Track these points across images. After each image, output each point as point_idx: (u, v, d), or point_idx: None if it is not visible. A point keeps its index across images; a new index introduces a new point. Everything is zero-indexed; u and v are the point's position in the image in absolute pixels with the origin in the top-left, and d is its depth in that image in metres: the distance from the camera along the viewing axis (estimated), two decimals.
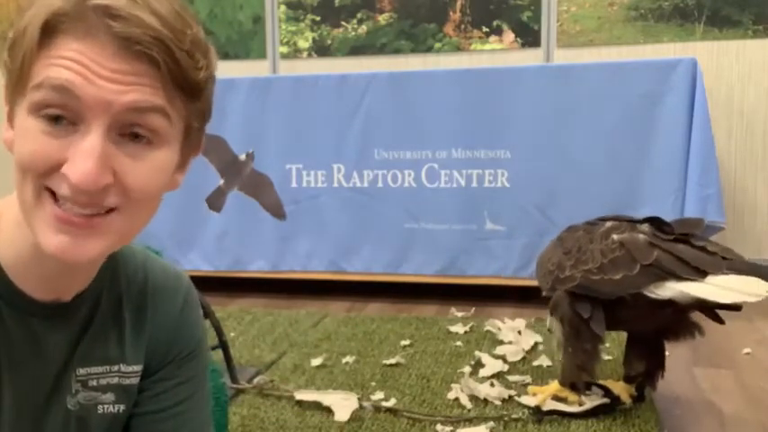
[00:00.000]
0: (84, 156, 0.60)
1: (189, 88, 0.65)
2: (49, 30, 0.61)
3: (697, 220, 1.67)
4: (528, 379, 1.94)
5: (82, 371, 0.76)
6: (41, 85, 0.60)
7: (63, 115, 0.61)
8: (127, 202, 0.64)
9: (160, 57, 0.61)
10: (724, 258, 1.53)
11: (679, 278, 1.53)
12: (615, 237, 1.65)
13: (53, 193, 0.62)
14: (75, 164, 0.60)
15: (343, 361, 2.12)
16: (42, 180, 0.62)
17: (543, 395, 1.75)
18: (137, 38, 0.60)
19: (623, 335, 1.84)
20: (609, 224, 1.71)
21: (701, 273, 1.52)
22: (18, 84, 0.62)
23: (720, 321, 1.64)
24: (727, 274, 1.50)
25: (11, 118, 0.65)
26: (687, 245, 1.58)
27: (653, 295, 1.57)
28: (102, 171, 0.61)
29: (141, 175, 0.64)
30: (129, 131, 0.63)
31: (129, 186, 0.63)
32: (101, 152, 0.60)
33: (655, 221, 1.66)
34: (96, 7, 0.60)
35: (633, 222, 1.69)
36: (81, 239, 0.63)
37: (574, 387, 1.73)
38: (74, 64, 0.60)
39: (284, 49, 3.69)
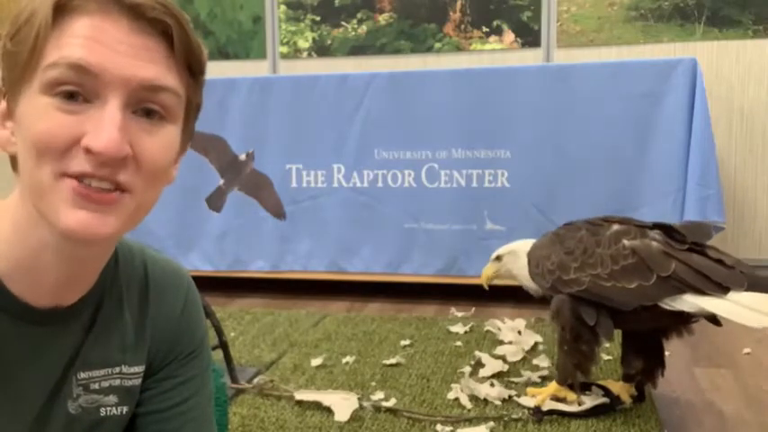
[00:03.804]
0: (106, 124, 0.60)
1: (195, 65, 0.67)
2: (60, 9, 0.61)
3: (706, 228, 1.63)
4: (533, 377, 1.94)
5: (83, 375, 0.75)
6: (56, 64, 0.60)
7: (78, 92, 0.61)
8: (138, 180, 0.64)
9: (173, 25, 0.63)
10: (742, 273, 1.49)
11: (699, 292, 1.50)
12: (626, 242, 1.61)
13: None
14: (98, 133, 0.60)
15: (343, 361, 2.12)
16: (59, 164, 0.61)
17: (542, 395, 1.75)
18: (150, 5, 0.61)
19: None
20: (616, 227, 1.66)
21: (722, 289, 1.48)
22: (25, 68, 0.62)
23: (718, 324, 1.63)
24: (748, 291, 1.46)
25: (8, 113, 0.65)
26: (703, 256, 1.54)
27: (667, 307, 1.54)
28: (123, 140, 0.61)
29: (154, 149, 0.64)
30: (141, 107, 0.64)
31: (143, 159, 0.64)
32: (121, 122, 0.61)
33: (664, 228, 1.62)
34: None
35: (642, 227, 1.64)
36: (99, 215, 0.63)
37: (570, 386, 1.73)
38: (89, 41, 0.60)
39: (284, 49, 3.69)
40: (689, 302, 1.52)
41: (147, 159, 0.64)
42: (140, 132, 0.63)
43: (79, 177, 0.61)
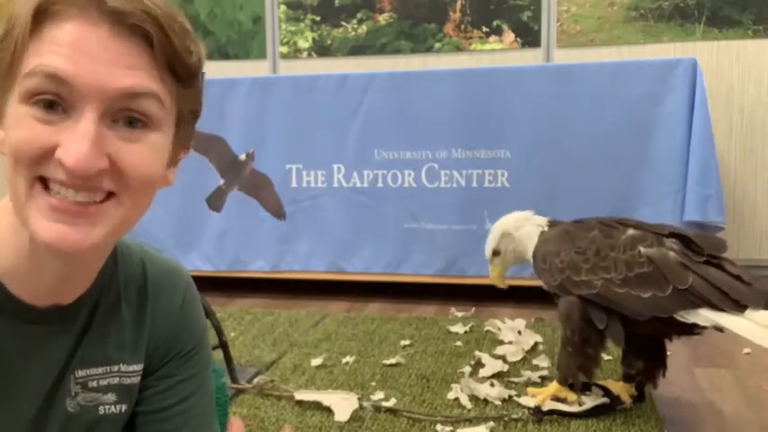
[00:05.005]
0: (77, 139, 0.59)
1: (182, 72, 0.65)
2: (41, 14, 0.60)
3: (720, 241, 1.59)
4: (533, 377, 1.94)
5: (81, 373, 0.75)
6: (33, 72, 0.60)
7: (56, 101, 0.60)
8: (123, 188, 0.64)
9: (154, 32, 0.61)
10: (760, 291, 1.47)
11: (715, 308, 1.48)
12: (642, 249, 1.57)
13: (45, 184, 0.62)
14: (68, 147, 0.59)
15: (343, 361, 2.12)
16: (35, 169, 0.61)
17: (542, 395, 1.74)
18: (130, 12, 0.60)
19: None
20: (631, 232, 1.62)
21: (740, 307, 1.46)
22: (9, 74, 0.62)
23: (720, 330, 1.62)
24: (766, 309, 1.44)
25: (0, 115, 0.64)
26: (720, 270, 1.51)
27: (681, 319, 1.53)
28: (96, 155, 0.60)
29: (136, 158, 0.63)
30: (122, 116, 0.62)
31: (124, 169, 0.63)
32: (95, 135, 0.60)
33: (680, 237, 1.59)
34: None
35: (658, 235, 1.61)
36: (77, 228, 0.62)
37: (571, 386, 1.73)
38: (66, 49, 0.59)
39: (284, 49, 3.69)
40: (705, 317, 1.50)
41: (129, 169, 0.63)
42: (119, 142, 0.62)
43: (54, 184, 0.61)
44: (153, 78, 0.63)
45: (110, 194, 0.64)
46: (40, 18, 0.60)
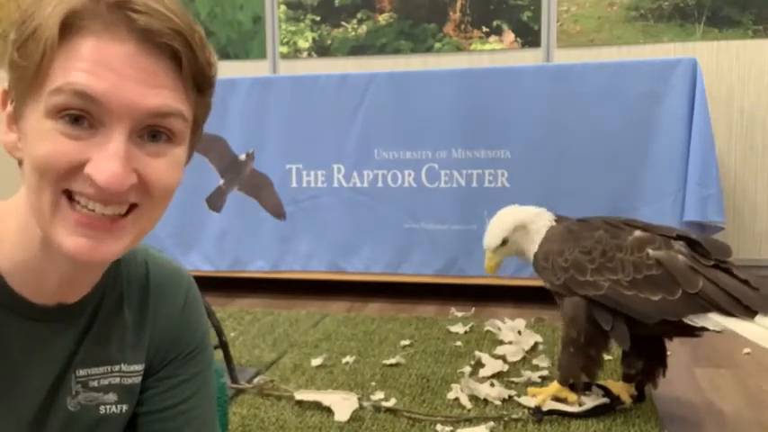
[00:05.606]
0: (109, 157, 0.60)
1: (203, 84, 0.66)
2: (67, 27, 0.60)
3: (726, 246, 1.58)
4: (533, 377, 1.94)
5: (82, 372, 0.75)
6: (62, 89, 0.59)
7: (84, 116, 0.60)
8: (146, 199, 0.65)
9: (181, 49, 0.61)
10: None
11: (725, 313, 1.47)
12: (651, 252, 1.56)
13: (69, 196, 0.62)
14: (100, 165, 0.60)
15: (343, 361, 2.12)
16: (61, 183, 0.61)
17: (543, 395, 1.74)
18: (158, 30, 0.60)
19: None
20: (639, 234, 1.61)
21: (751, 312, 1.45)
22: (32, 84, 0.61)
23: (718, 331, 1.62)
24: None
25: (15, 118, 0.64)
26: (729, 275, 1.50)
27: (689, 322, 1.52)
28: (127, 172, 0.61)
29: (161, 172, 0.64)
30: (147, 132, 0.63)
31: (150, 184, 0.64)
32: (125, 154, 0.61)
33: (688, 240, 1.58)
34: (116, 3, 0.60)
35: (666, 237, 1.59)
36: (101, 241, 0.63)
37: (572, 387, 1.72)
38: (95, 66, 0.59)
39: (284, 49, 3.69)
40: (714, 321, 1.49)
41: (155, 183, 0.64)
42: (146, 157, 0.63)
43: (81, 197, 0.62)
44: (179, 97, 0.63)
45: (132, 206, 0.65)
46: (66, 31, 0.60)
